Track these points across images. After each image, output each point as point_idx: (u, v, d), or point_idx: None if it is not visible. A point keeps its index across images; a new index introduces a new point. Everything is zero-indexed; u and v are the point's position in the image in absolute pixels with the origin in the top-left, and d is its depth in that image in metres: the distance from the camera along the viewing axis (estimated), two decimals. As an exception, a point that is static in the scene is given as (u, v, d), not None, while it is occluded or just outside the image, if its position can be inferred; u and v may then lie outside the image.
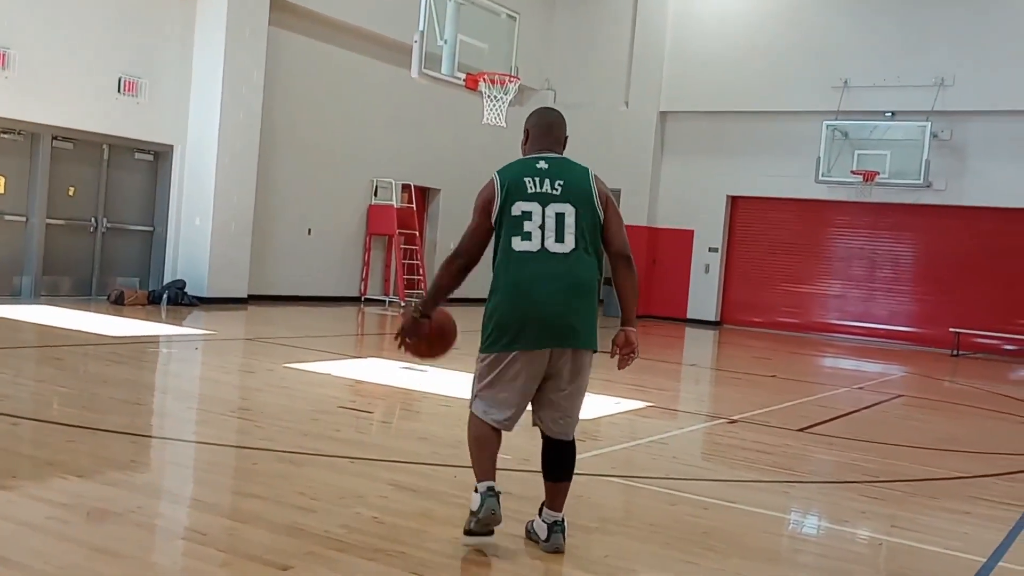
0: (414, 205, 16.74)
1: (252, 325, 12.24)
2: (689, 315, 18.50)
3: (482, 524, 3.55)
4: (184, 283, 13.20)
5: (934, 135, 15.91)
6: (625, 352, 3.76)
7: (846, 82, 16.65)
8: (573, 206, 3.59)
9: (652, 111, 18.62)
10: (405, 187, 16.66)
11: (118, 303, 12.32)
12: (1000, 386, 11.93)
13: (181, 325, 11.20)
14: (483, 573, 3.41)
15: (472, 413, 3.69)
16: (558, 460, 3.71)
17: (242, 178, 13.71)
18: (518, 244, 3.55)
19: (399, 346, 3.80)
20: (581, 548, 3.80)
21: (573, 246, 3.56)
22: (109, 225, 13.08)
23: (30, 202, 12.12)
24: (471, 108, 15.07)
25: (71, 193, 12.64)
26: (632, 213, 18.90)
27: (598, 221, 3.65)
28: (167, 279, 13.44)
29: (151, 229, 13.62)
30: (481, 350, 3.64)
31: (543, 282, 3.52)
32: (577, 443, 6.08)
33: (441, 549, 3.60)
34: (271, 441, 5.26)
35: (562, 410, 3.68)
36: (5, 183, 11.92)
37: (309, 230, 15.40)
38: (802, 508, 5.04)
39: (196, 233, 13.49)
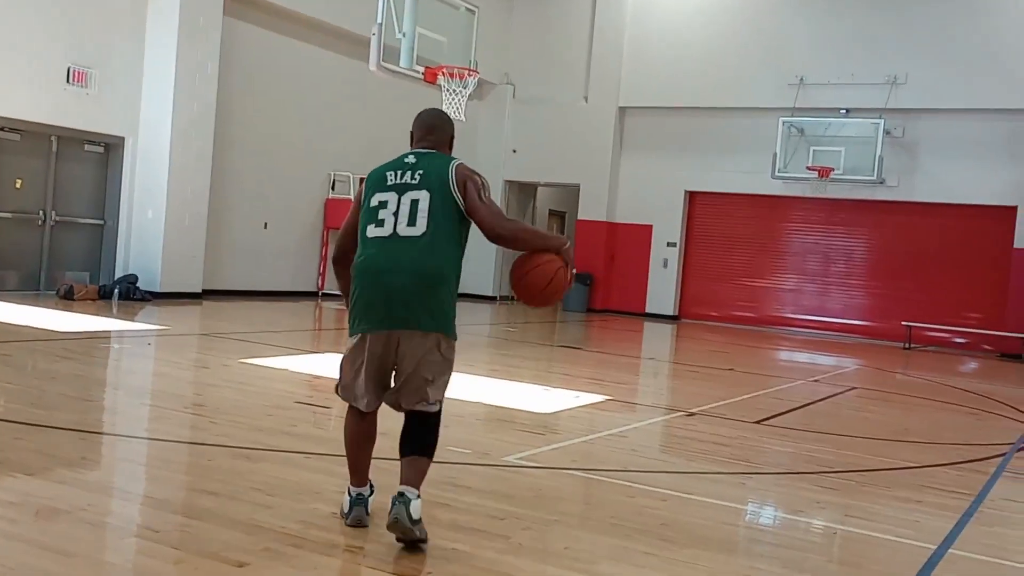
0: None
1: (207, 320, 12.06)
2: (647, 309, 18.63)
3: (352, 525, 3.67)
4: (136, 277, 12.96)
5: (887, 132, 16.19)
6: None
7: (802, 79, 16.87)
8: (428, 192, 3.58)
9: (611, 106, 18.69)
10: (363, 180, 16.50)
11: (67, 298, 12.06)
12: (951, 378, 12.19)
13: (133, 320, 11.00)
14: (444, 568, 3.39)
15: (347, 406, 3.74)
16: (403, 435, 3.65)
17: (196, 171, 13.49)
18: (372, 231, 3.59)
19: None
20: (541, 541, 3.80)
21: (425, 229, 3.54)
22: (58, 218, 12.79)
23: (-24, 194, 11.82)
24: (430, 101, 15.00)
25: (18, 185, 12.34)
26: (591, 208, 19.00)
27: (457, 207, 3.59)
28: (119, 273, 13.19)
29: (102, 222, 13.35)
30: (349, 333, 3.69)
31: (391, 264, 3.52)
32: (536, 436, 6.07)
33: (399, 544, 3.57)
34: (226, 437, 5.18)
35: (406, 390, 3.62)
36: (-51, 175, 11.61)
37: (265, 224, 15.23)
38: (758, 499, 5.09)
39: (149, 226, 13.25)
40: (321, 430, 5.91)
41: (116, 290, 12.72)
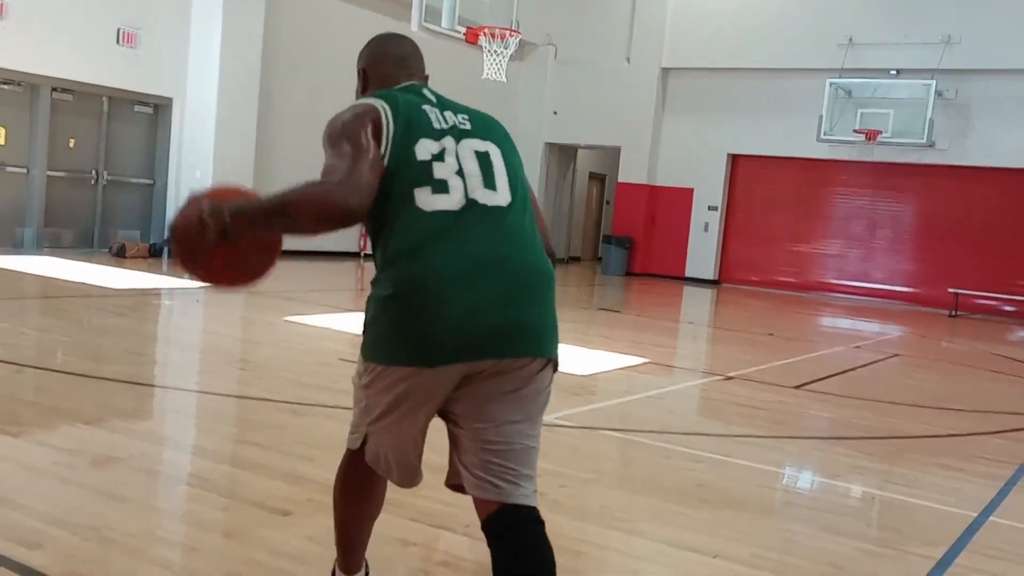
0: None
1: (252, 279, 12.25)
2: (687, 273, 18.53)
3: None
4: (185, 236, 13.18)
5: (939, 94, 15.78)
6: None
7: (851, 40, 16.47)
8: (496, 145, 2.27)
9: (654, 67, 18.45)
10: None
11: (120, 256, 12.34)
12: (998, 347, 11.99)
13: (182, 278, 11.23)
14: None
15: (350, 454, 2.38)
16: (521, 557, 2.20)
17: (242, 132, 13.63)
18: (429, 198, 2.11)
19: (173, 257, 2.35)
20: (578, 499, 3.87)
21: (510, 198, 2.19)
22: (110, 178, 13.04)
23: (31, 153, 12.07)
24: (471, 62, 14.94)
25: (71, 145, 12.59)
26: (632, 171, 18.85)
27: (527, 182, 2.32)
28: (168, 232, 13.42)
29: (151, 182, 13.59)
30: (366, 356, 2.22)
31: (481, 250, 2.10)
32: (574, 397, 6.13)
33: (437, 496, 3.65)
34: (271, 392, 5.32)
35: (507, 456, 2.21)
36: (6, 134, 11.86)
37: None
38: (796, 463, 5.11)
39: (196, 186, 13.43)
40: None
41: (166, 249, 12.97)
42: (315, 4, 14.99)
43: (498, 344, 2.08)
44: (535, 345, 2.14)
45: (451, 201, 2.12)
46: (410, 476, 2.35)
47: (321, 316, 8.60)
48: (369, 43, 2.52)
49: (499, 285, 2.08)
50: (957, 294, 15.66)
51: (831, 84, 16.39)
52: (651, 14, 18.42)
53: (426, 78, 2.52)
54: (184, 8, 13.26)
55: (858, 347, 10.48)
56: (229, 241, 2.15)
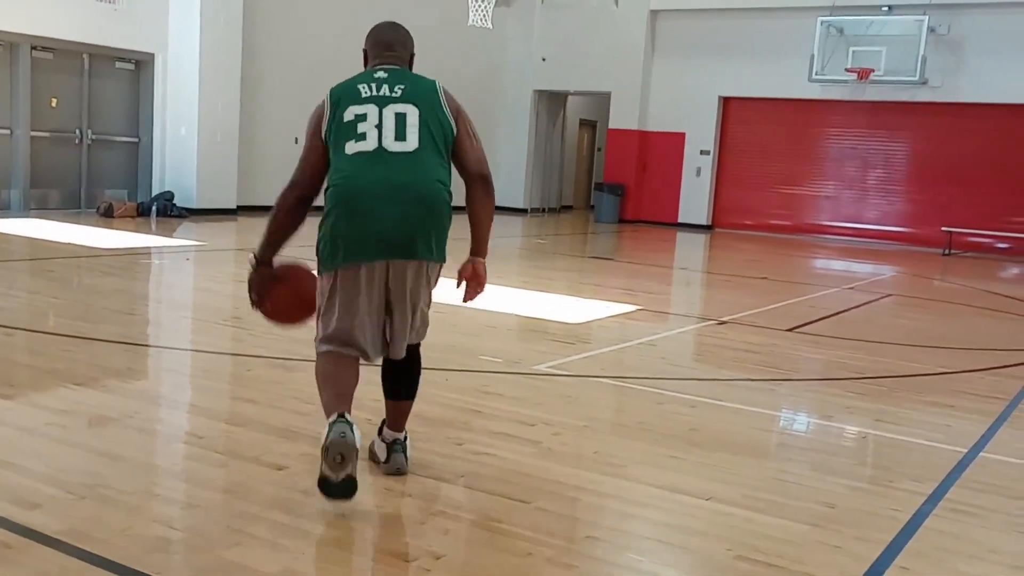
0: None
1: (242, 235, 12.20)
2: (680, 219, 18.48)
3: (332, 463, 2.85)
4: (172, 195, 13.09)
5: (931, 29, 15.60)
6: (472, 285, 3.32)
7: (842, -24, 16.23)
8: (415, 106, 3.10)
9: (643, 10, 18.17)
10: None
11: (107, 215, 12.25)
12: (990, 284, 12.04)
13: (171, 237, 11.17)
14: (477, 472, 3.50)
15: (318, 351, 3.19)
16: (395, 378, 3.33)
17: (226, 86, 13.44)
18: (351, 146, 3.05)
19: (252, 306, 3.33)
20: (571, 446, 3.90)
21: (417, 145, 3.06)
22: (94, 136, 12.89)
23: (13, 114, 11.91)
24: (456, 9, 14.70)
25: (54, 104, 12.41)
26: (622, 116, 18.69)
27: (449, 131, 3.15)
28: (155, 191, 13.33)
29: (136, 140, 13.43)
30: (319, 271, 3.19)
31: (382, 184, 3.01)
32: (566, 345, 6.17)
33: (432, 448, 3.69)
34: (264, 348, 5.32)
35: (399, 324, 3.18)
36: (-15, 95, 11.70)
37: (296, 139, 15.17)
38: (788, 405, 5.15)
39: (182, 144, 13.31)
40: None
41: (154, 207, 12.88)
42: (296, -48, 14.67)
43: (397, 248, 3.07)
44: (419, 251, 3.11)
45: (367, 146, 3.06)
46: (373, 352, 3.20)
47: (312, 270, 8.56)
48: (370, 30, 3.40)
49: (396, 204, 3.03)
50: (950, 232, 15.68)
51: (822, 22, 16.18)
52: (639, -45, 18.09)
53: (411, 58, 3.38)
54: (162, -40, 12.98)
55: (851, 288, 10.50)
56: (264, 276, 3.32)
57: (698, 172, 18.36)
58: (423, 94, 3.16)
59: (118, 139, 13.24)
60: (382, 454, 3.37)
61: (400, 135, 3.06)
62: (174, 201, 13.02)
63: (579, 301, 7.99)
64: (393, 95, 3.12)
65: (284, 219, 3.23)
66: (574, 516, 3.17)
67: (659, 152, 18.57)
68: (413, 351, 3.35)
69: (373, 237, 3.03)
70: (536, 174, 19.99)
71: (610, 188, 18.56)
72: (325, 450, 2.86)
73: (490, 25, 11.58)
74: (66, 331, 5.50)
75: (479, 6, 11.45)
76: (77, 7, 12.08)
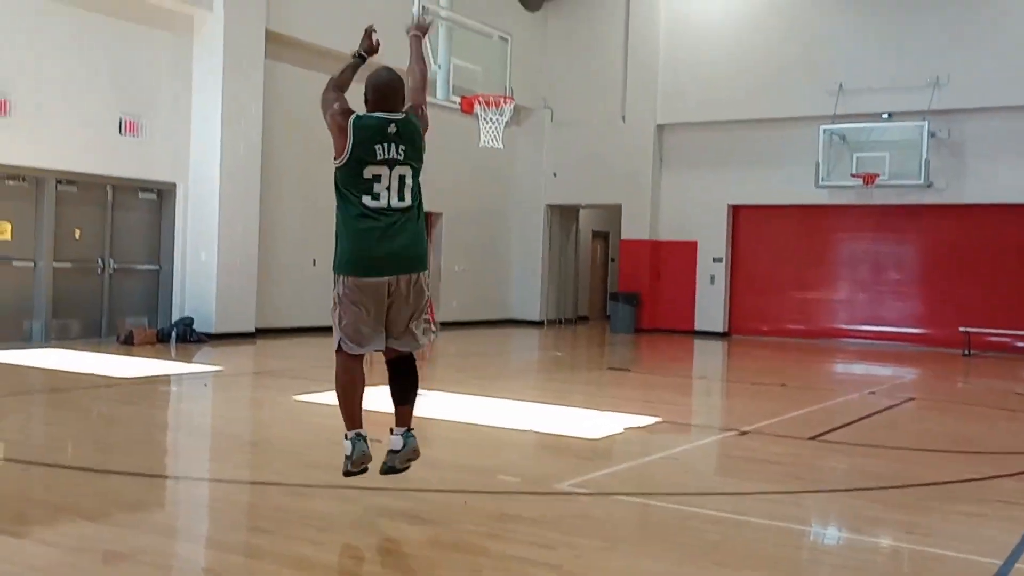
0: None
1: (260, 358, 12.28)
2: (697, 327, 18.47)
3: (356, 464, 4.31)
4: (192, 320, 13.25)
5: (932, 134, 15.90)
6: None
7: (840, 86, 16.68)
8: (411, 168, 4.28)
9: (649, 124, 18.68)
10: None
11: (128, 343, 12.37)
12: (1014, 384, 11.86)
13: (190, 362, 11.24)
14: (495, 599, 3.41)
15: (337, 353, 4.34)
16: (399, 387, 4.47)
17: (245, 211, 13.79)
18: (369, 202, 4.22)
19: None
20: (593, 569, 3.80)
21: (411, 203, 4.29)
22: (116, 265, 13.15)
23: (37, 246, 12.20)
24: (468, 130, 15.16)
25: (77, 235, 12.73)
26: (634, 227, 18.95)
27: (423, 152, 4.40)
28: (175, 316, 13.50)
29: (158, 267, 13.70)
30: (335, 272, 4.31)
31: (390, 232, 4.22)
32: (587, 462, 6.09)
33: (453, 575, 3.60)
34: (281, 475, 5.28)
35: (403, 328, 4.36)
36: (12, 229, 12.01)
37: (314, 261, 15.45)
38: (815, 518, 5.01)
39: (202, 269, 13.55)
40: (373, 464, 5.97)
41: (173, 333, 13.02)
42: (312, 79, 15.24)
43: (401, 267, 4.27)
44: (416, 266, 4.34)
45: (380, 203, 4.25)
46: (370, 343, 4.33)
47: (328, 393, 8.54)
48: (368, 76, 4.40)
49: (395, 241, 4.25)
50: (968, 332, 15.56)
51: (825, 131, 16.54)
52: (643, 72, 18.72)
53: (403, 102, 4.39)
54: (184, 94, 13.53)
55: (872, 393, 10.37)
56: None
57: (712, 279, 18.45)
58: (414, 143, 4.31)
59: (139, 267, 13.51)
60: (398, 444, 4.42)
61: (401, 196, 4.27)
62: (194, 326, 13.16)
63: (598, 414, 7.92)
64: (398, 157, 4.25)
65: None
66: (597, 647, 3.06)
67: (672, 261, 18.73)
68: (412, 363, 4.49)
69: (380, 262, 4.22)
70: (551, 286, 20.15)
71: (625, 298, 18.65)
72: (351, 459, 4.31)
73: (501, 145, 11.89)
74: (82, 463, 5.49)
75: (489, 128, 11.79)
76: (102, 141, 12.55)
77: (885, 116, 16.44)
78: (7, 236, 11.96)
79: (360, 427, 4.36)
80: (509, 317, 19.76)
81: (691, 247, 18.60)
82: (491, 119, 11.88)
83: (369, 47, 4.63)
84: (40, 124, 11.82)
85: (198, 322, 13.27)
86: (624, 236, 19.17)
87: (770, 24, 17.53)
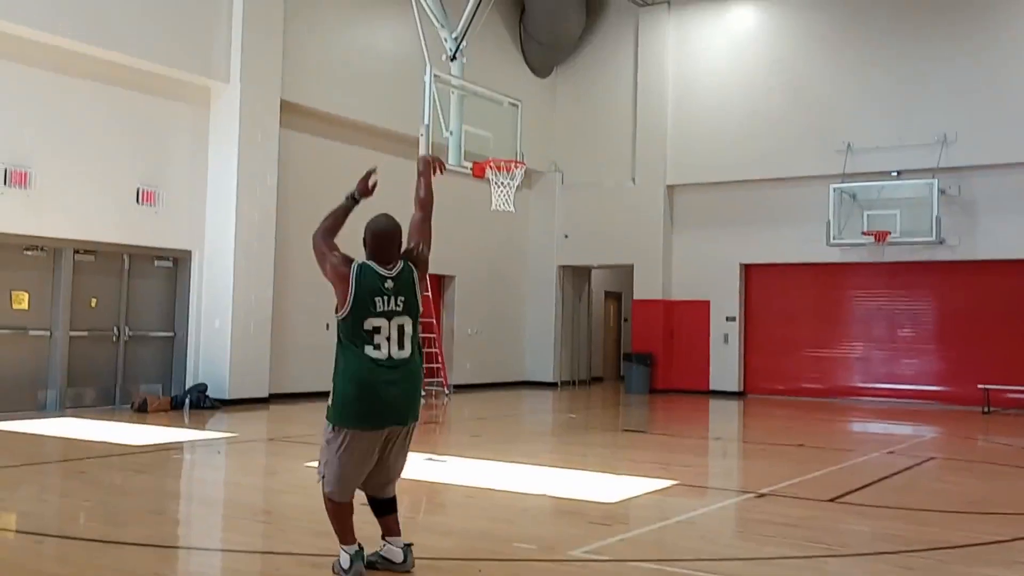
0: (429, 293, 16.86)
1: (274, 424, 12.25)
2: (711, 387, 18.33)
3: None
4: (206, 386, 13.27)
5: (942, 191, 15.93)
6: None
7: (849, 145, 16.81)
8: (410, 317, 4.46)
9: (659, 185, 18.83)
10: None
11: (142, 411, 12.38)
12: (1035, 441, 11.67)
13: (204, 429, 11.23)
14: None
15: (326, 493, 4.45)
16: (381, 502, 4.64)
17: (259, 278, 13.91)
18: (370, 352, 4.36)
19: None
20: (610, 640, 3.72)
21: (410, 353, 4.45)
22: (131, 333, 13.24)
23: (53, 316, 12.31)
24: (479, 194, 15.32)
25: (93, 304, 12.84)
26: (646, 287, 18.97)
27: (419, 304, 4.53)
28: (189, 383, 13.52)
29: (172, 334, 13.77)
30: (331, 422, 4.41)
31: (390, 383, 4.36)
32: (602, 527, 6.02)
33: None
34: (294, 544, 5.23)
35: (390, 473, 4.60)
36: (29, 298, 12.14)
37: (327, 325, 15.52)
38: (837, 584, 4.91)
39: (216, 335, 13.62)
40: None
41: (187, 400, 13.03)
42: (324, 147, 15.50)
43: (397, 419, 4.46)
44: (410, 418, 4.54)
45: (381, 354, 4.39)
46: (352, 491, 4.46)
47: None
48: (367, 223, 4.55)
49: (395, 393, 4.40)
50: (987, 389, 15.38)
51: (835, 189, 16.60)
52: (652, 134, 18.94)
53: (399, 249, 4.54)
54: (201, 163, 13.77)
55: (891, 452, 10.23)
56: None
57: (726, 339, 18.38)
58: (411, 295, 4.48)
59: (154, 334, 13.58)
60: (398, 557, 4.55)
61: (401, 345, 4.43)
62: (207, 392, 13.18)
63: (614, 478, 7.84)
64: (397, 308, 4.43)
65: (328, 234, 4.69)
66: None
67: (685, 320, 18.69)
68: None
69: (380, 413, 4.37)
70: (564, 347, 20.12)
71: (639, 358, 18.58)
72: (347, 573, 4.40)
73: (512, 209, 11.99)
74: (95, 535, 5.45)
75: (501, 192, 11.90)
76: (120, 211, 12.74)
77: (894, 174, 16.52)
78: (24, 306, 12.09)
79: (355, 541, 4.45)
80: (523, 379, 19.69)
81: (704, 306, 18.57)
82: (502, 183, 11.99)
83: (364, 190, 4.67)
84: (59, 195, 12.03)
85: (212, 388, 13.29)
86: (637, 296, 19.18)
87: (778, 84, 17.76)
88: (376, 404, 4.32)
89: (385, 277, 4.42)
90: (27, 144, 11.73)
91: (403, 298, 4.43)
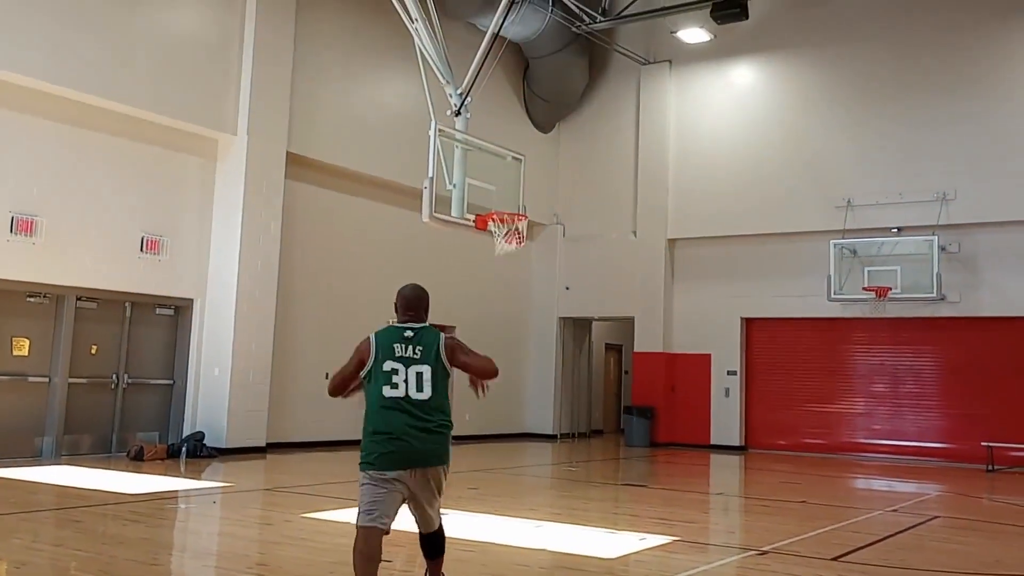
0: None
1: (271, 474, 12.13)
2: (713, 441, 18.19)
3: None
4: (203, 435, 13.18)
5: (942, 248, 15.99)
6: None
7: (849, 201, 16.93)
8: (428, 366, 4.69)
9: (660, 239, 18.92)
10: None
11: (138, 459, 12.28)
12: (1040, 500, 11.53)
13: (199, 479, 11.11)
14: None
15: (357, 527, 4.56)
16: (429, 543, 4.93)
17: (260, 327, 13.90)
18: (388, 391, 4.63)
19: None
20: None
21: (429, 395, 4.65)
22: (130, 380, 13.20)
23: (53, 363, 12.28)
24: (482, 245, 15.39)
25: (94, 351, 12.83)
26: (647, 340, 18.94)
27: (445, 371, 4.75)
28: (187, 431, 13.43)
29: (171, 382, 13.72)
30: (361, 468, 4.63)
31: (409, 421, 4.58)
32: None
33: None
34: (289, 599, 5.13)
35: (424, 512, 4.78)
36: (30, 345, 12.13)
37: (327, 374, 15.41)
38: (841, 645, 4.81)
39: (215, 384, 13.57)
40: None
41: (184, 448, 12.93)
42: (329, 199, 15.64)
43: (416, 461, 4.63)
44: (431, 461, 4.70)
45: (399, 393, 4.65)
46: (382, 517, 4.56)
47: (338, 511, 8.42)
48: (399, 289, 4.96)
49: (412, 435, 4.60)
50: (991, 447, 15.25)
51: (835, 245, 16.67)
52: (653, 188, 19.10)
53: (427, 306, 4.93)
54: (206, 213, 13.87)
55: (895, 510, 10.10)
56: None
57: (727, 392, 18.29)
58: (431, 351, 4.73)
59: (153, 382, 13.54)
60: None
61: (419, 388, 4.66)
62: (204, 441, 13.08)
63: (613, 534, 7.73)
64: (415, 356, 4.71)
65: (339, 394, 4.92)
66: None
67: (686, 373, 18.62)
68: (439, 528, 4.92)
69: (396, 456, 4.58)
70: (564, 399, 20.02)
71: (639, 411, 18.47)
72: None
73: (515, 247, 11.97)
74: (87, 586, 5.36)
75: (503, 242, 11.95)
76: (123, 259, 12.80)
77: (895, 230, 16.60)
78: (24, 352, 12.07)
79: None
80: (522, 431, 19.55)
81: (705, 360, 18.52)
82: (504, 235, 12.05)
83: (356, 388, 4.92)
84: (64, 243, 12.10)
85: (210, 437, 13.20)
86: (637, 348, 19.14)
87: (778, 140, 17.95)
88: (391, 447, 4.53)
89: (405, 329, 4.75)
90: (35, 193, 11.83)
91: (422, 348, 4.68)
